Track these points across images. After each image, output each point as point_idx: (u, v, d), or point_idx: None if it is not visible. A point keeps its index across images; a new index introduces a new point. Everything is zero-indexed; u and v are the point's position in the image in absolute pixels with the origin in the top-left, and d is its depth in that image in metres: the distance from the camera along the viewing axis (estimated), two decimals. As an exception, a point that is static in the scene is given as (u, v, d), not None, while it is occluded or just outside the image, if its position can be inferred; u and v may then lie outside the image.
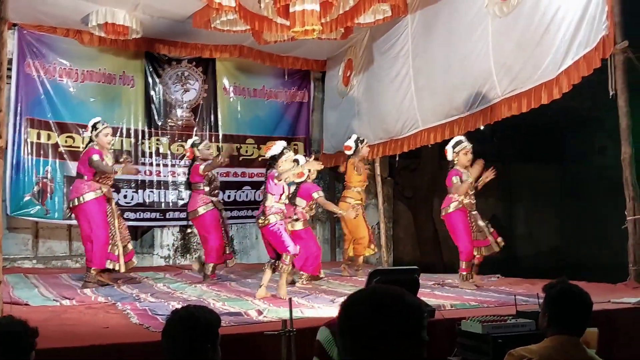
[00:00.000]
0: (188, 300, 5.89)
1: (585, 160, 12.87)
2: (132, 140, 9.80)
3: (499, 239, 7.06)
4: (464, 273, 6.91)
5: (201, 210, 7.66)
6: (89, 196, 7.01)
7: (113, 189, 7.54)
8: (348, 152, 8.46)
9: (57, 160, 9.25)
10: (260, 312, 5.02)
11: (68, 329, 4.38)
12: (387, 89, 8.87)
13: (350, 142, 8.44)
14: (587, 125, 12.16)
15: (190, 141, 8.15)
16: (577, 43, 5.80)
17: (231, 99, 10.60)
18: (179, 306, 2.73)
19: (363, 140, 8.49)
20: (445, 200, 7.12)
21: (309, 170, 7.38)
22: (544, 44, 6.14)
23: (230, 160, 9.14)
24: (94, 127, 7.16)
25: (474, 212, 7.04)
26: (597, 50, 5.61)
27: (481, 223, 7.01)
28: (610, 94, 5.89)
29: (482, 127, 7.40)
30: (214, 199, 7.78)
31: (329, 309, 5.33)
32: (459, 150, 6.95)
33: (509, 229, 12.43)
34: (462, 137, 7.09)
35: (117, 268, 7.08)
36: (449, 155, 7.05)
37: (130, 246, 7.38)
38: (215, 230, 7.67)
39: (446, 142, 7.82)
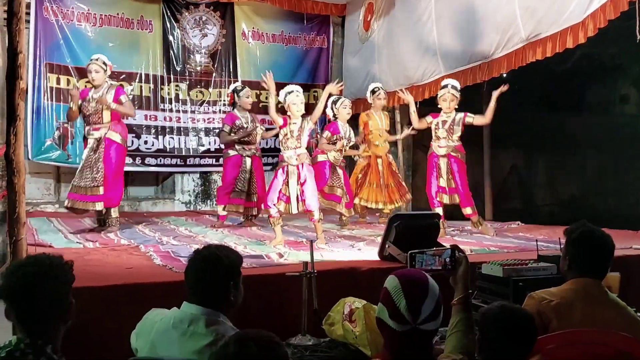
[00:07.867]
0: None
1: (607, 108, 12.67)
2: (151, 86, 9.75)
3: (445, 197, 7.01)
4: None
5: (225, 155, 7.78)
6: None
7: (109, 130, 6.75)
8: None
9: (78, 106, 9.26)
10: (281, 255, 5.07)
11: (92, 269, 4.44)
12: (408, 34, 8.70)
13: (367, 93, 8.18)
14: (610, 73, 11.92)
15: (232, 86, 8.02)
16: (605, -15, 5.64)
17: (250, 45, 10.49)
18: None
19: (375, 90, 8.09)
20: None
21: None
22: (570, -14, 5.98)
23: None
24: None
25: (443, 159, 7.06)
26: (626, -8, 5.46)
27: (443, 175, 7.02)
28: (638, 38, 5.74)
29: (504, 74, 7.28)
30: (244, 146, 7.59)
31: (349, 253, 5.38)
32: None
33: (529, 177, 12.35)
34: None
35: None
36: None
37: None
38: (225, 173, 7.75)
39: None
